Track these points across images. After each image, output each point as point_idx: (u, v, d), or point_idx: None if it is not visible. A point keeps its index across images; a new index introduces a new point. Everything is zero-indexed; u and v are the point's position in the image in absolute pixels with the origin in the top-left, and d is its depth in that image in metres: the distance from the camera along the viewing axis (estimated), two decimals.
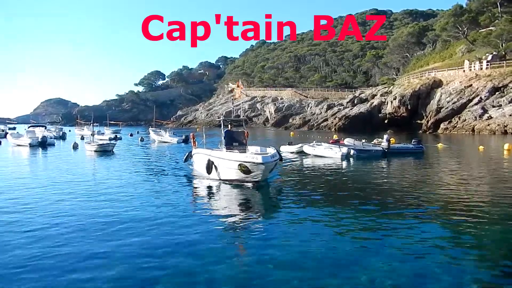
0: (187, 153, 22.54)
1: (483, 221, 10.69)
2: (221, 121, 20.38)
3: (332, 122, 72.15)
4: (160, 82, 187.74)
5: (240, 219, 11.59)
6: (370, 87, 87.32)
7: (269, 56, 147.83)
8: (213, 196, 15.42)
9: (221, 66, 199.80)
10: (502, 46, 59.36)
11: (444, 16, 78.04)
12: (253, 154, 16.15)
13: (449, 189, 15.48)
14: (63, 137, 58.68)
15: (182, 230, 10.10)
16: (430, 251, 8.43)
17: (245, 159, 15.60)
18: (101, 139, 44.67)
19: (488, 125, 49.09)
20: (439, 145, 34.68)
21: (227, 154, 16.75)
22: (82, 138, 53.33)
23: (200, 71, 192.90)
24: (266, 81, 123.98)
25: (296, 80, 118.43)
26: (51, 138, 47.67)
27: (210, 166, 17.11)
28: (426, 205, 12.79)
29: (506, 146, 29.60)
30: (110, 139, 44.54)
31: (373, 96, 75.43)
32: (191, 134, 24.81)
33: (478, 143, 35.36)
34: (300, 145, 31.38)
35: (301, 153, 29.94)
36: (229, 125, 20.13)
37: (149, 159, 29.92)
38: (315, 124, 77.02)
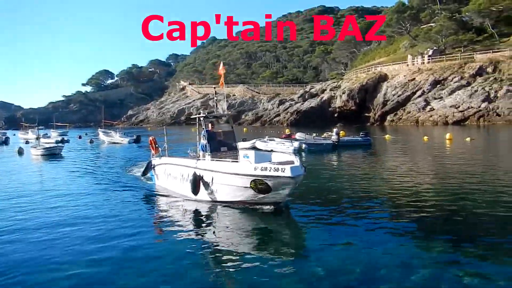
0: (146, 165, 17.90)
1: (429, 209, 11.31)
2: (200, 118, 14.30)
3: (284, 117, 73.34)
4: (109, 81, 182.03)
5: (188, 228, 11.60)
6: (320, 82, 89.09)
7: (220, 53, 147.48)
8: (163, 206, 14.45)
9: (172, 64, 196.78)
10: (442, 41, 62.55)
11: (388, 13, 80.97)
12: (275, 165, 10.97)
13: (397, 180, 16.17)
14: (6, 142, 55.76)
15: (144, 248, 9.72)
16: (381, 240, 8.85)
17: (263, 172, 10.95)
18: (47, 143, 42.84)
19: (431, 116, 51.67)
20: (387, 136, 36.11)
21: (230, 166, 12.02)
22: (27, 142, 51.03)
23: (150, 70, 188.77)
24: (218, 78, 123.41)
25: (248, 77, 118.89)
26: None
27: (197, 184, 12.62)
28: (375, 196, 13.36)
29: (447, 136, 31.46)
30: (57, 142, 42.78)
31: (323, 91, 77.14)
32: (150, 138, 18.14)
33: (422, 133, 37.13)
34: (253, 140, 31.65)
35: (255, 148, 30.14)
36: (210, 124, 14.26)
37: (100, 162, 28.76)
38: (268, 120, 77.96)
